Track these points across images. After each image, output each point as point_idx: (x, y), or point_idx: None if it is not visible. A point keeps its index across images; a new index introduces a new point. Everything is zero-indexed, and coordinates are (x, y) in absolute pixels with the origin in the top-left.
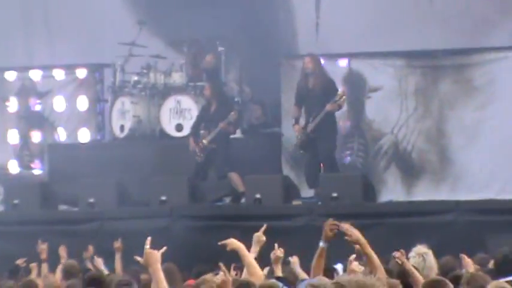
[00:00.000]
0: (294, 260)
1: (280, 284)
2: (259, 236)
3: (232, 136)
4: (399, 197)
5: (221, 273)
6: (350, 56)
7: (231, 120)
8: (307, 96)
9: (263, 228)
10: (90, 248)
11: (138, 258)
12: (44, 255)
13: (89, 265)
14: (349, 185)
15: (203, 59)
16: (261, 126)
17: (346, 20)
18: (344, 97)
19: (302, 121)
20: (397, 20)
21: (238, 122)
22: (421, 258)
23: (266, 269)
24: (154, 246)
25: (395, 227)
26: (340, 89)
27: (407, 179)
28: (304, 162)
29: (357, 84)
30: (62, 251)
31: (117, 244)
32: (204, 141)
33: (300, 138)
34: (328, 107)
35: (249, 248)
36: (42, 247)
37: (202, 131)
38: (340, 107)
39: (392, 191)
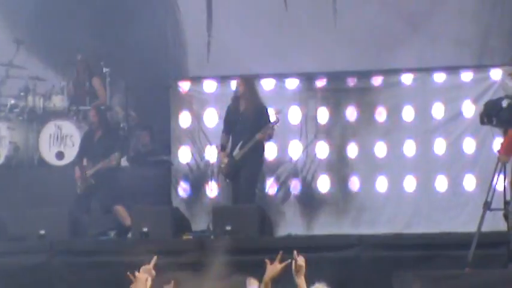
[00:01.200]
0: None
1: None
2: (149, 269)
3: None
4: (298, 231)
5: None
6: (243, 78)
7: (112, 161)
8: (237, 121)
9: (154, 260)
10: None
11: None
12: None
13: None
14: (244, 218)
15: (87, 81)
16: (148, 154)
17: (239, 39)
18: (275, 126)
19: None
20: (296, 39)
21: (119, 161)
22: None
23: None
24: (32, 282)
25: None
26: (274, 119)
27: (307, 211)
28: (229, 191)
29: None
30: None
31: None
32: (87, 173)
33: (227, 165)
34: (259, 136)
35: None
36: None
37: (85, 161)
38: (270, 136)
39: (291, 224)
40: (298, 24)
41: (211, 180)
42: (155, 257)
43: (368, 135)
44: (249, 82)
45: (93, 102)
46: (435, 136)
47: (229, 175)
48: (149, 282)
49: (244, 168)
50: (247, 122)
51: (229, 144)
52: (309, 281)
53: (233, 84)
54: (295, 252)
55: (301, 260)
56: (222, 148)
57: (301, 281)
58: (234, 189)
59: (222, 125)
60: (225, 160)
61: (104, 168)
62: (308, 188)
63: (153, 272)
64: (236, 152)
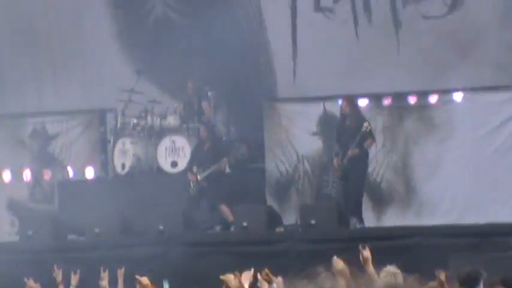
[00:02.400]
0: (279, 280)
1: None
2: (249, 276)
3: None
4: (370, 223)
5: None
6: (324, 98)
7: (222, 165)
8: (343, 134)
9: (252, 272)
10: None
11: (138, 277)
12: (59, 279)
13: None
14: (325, 214)
15: (195, 102)
16: (246, 162)
17: (320, 66)
18: (368, 127)
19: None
20: (366, 64)
21: (227, 165)
22: (392, 277)
23: None
24: (153, 271)
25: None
26: (366, 123)
27: (377, 207)
28: (342, 192)
29: (331, 124)
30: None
31: (120, 270)
32: (198, 177)
33: (339, 170)
34: (350, 152)
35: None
36: (57, 272)
37: (195, 167)
38: (363, 148)
39: (364, 218)
40: (367, 52)
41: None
42: (252, 269)
43: (427, 143)
44: (352, 101)
45: (200, 121)
46: (483, 142)
47: (342, 177)
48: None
49: (352, 171)
50: (352, 134)
51: (340, 151)
52: (380, 265)
53: (317, 104)
54: (360, 246)
55: (366, 252)
56: (336, 154)
57: (369, 268)
58: (344, 188)
59: (307, 137)
60: (338, 165)
61: (214, 172)
62: (378, 187)
63: (251, 279)
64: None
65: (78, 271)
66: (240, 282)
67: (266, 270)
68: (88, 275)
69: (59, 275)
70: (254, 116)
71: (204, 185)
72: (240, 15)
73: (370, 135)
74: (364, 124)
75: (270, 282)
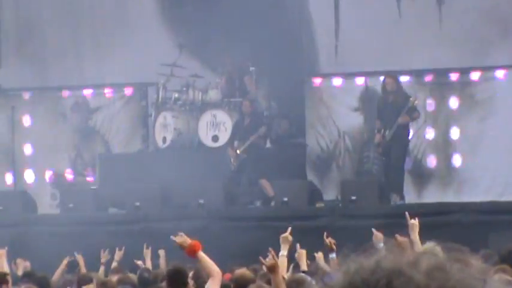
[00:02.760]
0: (319, 255)
1: (308, 278)
2: (286, 237)
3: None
4: (411, 200)
5: (270, 257)
6: (366, 74)
7: (260, 134)
8: (385, 110)
9: (289, 230)
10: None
11: (174, 238)
12: (103, 260)
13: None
14: (366, 189)
15: (237, 78)
16: (287, 138)
17: (362, 42)
18: (416, 101)
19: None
20: (408, 41)
21: (267, 135)
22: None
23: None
24: None
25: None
26: (412, 97)
27: (418, 183)
28: (383, 168)
29: (372, 100)
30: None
31: (162, 252)
32: (238, 151)
33: (381, 146)
34: (401, 119)
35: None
36: (104, 255)
37: (236, 142)
38: (412, 118)
39: (406, 193)
40: (410, 29)
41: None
42: (290, 228)
43: (468, 121)
44: (395, 78)
45: (241, 96)
46: None
47: (384, 153)
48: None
49: (394, 147)
50: (394, 110)
51: (382, 128)
52: (421, 240)
53: (359, 80)
54: (406, 213)
55: (414, 221)
56: (378, 130)
57: (415, 237)
58: (386, 165)
59: (348, 112)
60: (379, 141)
61: (254, 144)
62: (419, 164)
63: (290, 238)
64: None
65: (124, 248)
66: (274, 258)
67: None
68: (128, 248)
69: (104, 257)
70: (296, 91)
71: (245, 158)
72: None
73: (416, 109)
74: (411, 98)
75: (332, 250)
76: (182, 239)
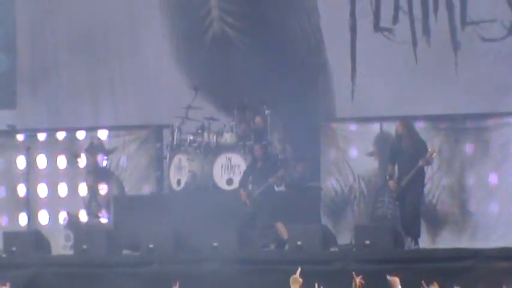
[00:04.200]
0: None
1: None
2: (296, 278)
3: (277, 189)
4: (425, 245)
5: None
6: (381, 119)
7: (279, 176)
8: (399, 155)
9: (298, 271)
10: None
11: None
12: None
13: None
14: (380, 234)
15: (252, 120)
16: (302, 181)
17: (378, 87)
18: (434, 153)
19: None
20: (424, 87)
21: (284, 178)
22: None
23: None
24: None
25: (421, 272)
26: (430, 148)
27: (432, 228)
28: (398, 213)
29: (387, 145)
30: None
31: (175, 286)
32: (254, 193)
33: (395, 191)
34: (421, 162)
35: None
36: None
37: (250, 185)
38: (429, 162)
39: (419, 239)
40: (426, 74)
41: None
42: (299, 268)
43: (482, 167)
44: (408, 123)
45: (256, 139)
46: None
47: (399, 198)
48: None
49: (409, 192)
50: (408, 155)
51: (396, 173)
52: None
53: (374, 125)
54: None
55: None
56: (390, 177)
57: None
58: (401, 210)
59: (363, 157)
60: (394, 186)
61: (270, 187)
62: (433, 209)
63: (300, 280)
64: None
65: None
66: None
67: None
68: None
69: None
70: (311, 135)
71: (259, 201)
72: (299, 34)
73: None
74: (429, 149)
75: None
76: None
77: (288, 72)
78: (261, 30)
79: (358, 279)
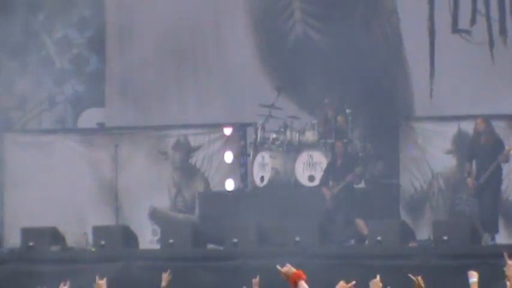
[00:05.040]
0: None
1: None
2: (376, 282)
3: (356, 186)
4: (502, 240)
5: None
6: (459, 118)
7: (357, 173)
8: (478, 153)
9: (378, 277)
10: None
11: (279, 267)
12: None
13: None
14: (458, 230)
15: (333, 119)
16: (381, 178)
17: (455, 87)
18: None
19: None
20: (500, 86)
21: (363, 175)
22: None
23: None
24: (284, 283)
25: (498, 267)
26: (508, 146)
27: (510, 224)
28: (475, 209)
29: (465, 143)
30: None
31: (256, 280)
32: (334, 190)
33: (473, 188)
34: (499, 160)
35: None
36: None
37: (331, 182)
38: (507, 160)
39: (496, 235)
40: (502, 74)
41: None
42: (378, 275)
43: None
44: (487, 120)
45: (337, 137)
46: None
47: (478, 195)
48: None
49: (487, 189)
50: (487, 152)
51: (474, 170)
52: None
53: (452, 123)
54: (505, 253)
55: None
56: (468, 174)
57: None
58: (480, 207)
59: (441, 155)
60: (472, 183)
61: (349, 184)
62: (510, 205)
63: (380, 284)
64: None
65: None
66: None
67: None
68: (225, 284)
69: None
70: (390, 133)
71: (340, 197)
72: (379, 35)
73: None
74: (507, 147)
75: None
76: (287, 268)
77: (368, 72)
78: (342, 31)
79: (418, 278)
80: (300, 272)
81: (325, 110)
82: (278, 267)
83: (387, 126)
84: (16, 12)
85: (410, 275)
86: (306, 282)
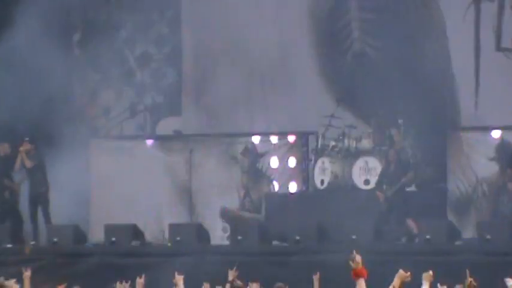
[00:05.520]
0: None
1: None
2: (429, 275)
3: (408, 190)
4: None
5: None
6: (502, 128)
7: (408, 178)
8: None
9: (431, 271)
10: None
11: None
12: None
13: None
14: (500, 229)
15: (386, 128)
16: (430, 183)
17: (499, 99)
18: None
19: None
20: None
21: (413, 180)
22: None
23: None
24: (347, 276)
25: None
26: None
27: None
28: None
29: (507, 151)
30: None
31: (316, 276)
32: (387, 193)
33: None
34: None
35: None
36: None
37: (385, 186)
38: None
39: None
40: None
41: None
42: (431, 271)
43: None
44: None
45: (390, 145)
46: None
47: None
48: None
49: None
50: None
51: None
52: None
53: (495, 133)
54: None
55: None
56: (509, 180)
57: None
58: None
59: (485, 162)
60: None
61: (402, 188)
62: None
63: (432, 278)
64: None
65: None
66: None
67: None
68: (288, 277)
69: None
70: (439, 141)
71: (393, 200)
72: (428, 51)
73: None
74: None
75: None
76: (358, 259)
77: (419, 86)
78: (396, 49)
79: (470, 280)
80: (365, 271)
81: (379, 121)
82: (355, 253)
83: (436, 135)
84: (102, 31)
85: (468, 272)
86: (365, 281)
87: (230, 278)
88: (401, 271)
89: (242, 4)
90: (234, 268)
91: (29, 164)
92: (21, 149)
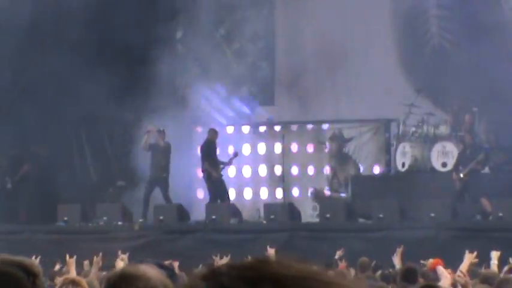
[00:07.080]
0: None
1: None
2: (497, 254)
3: (482, 172)
4: None
5: None
6: None
7: (479, 160)
8: None
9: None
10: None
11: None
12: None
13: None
14: None
15: (462, 116)
16: (503, 165)
17: None
18: None
19: None
20: None
21: (485, 162)
22: None
23: None
24: (425, 250)
25: None
26: None
27: None
28: None
29: None
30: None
31: (400, 249)
32: (461, 174)
33: None
34: None
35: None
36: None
37: (461, 167)
38: None
39: None
40: None
41: None
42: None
43: None
44: None
45: (465, 131)
46: None
47: None
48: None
49: None
50: None
51: None
52: None
53: None
54: None
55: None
56: None
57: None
58: None
59: None
60: None
61: (474, 167)
62: None
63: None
64: None
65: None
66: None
67: None
68: (371, 251)
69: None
70: (510, 128)
71: (467, 180)
72: (502, 46)
73: None
74: None
75: None
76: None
77: (492, 76)
78: (471, 43)
79: None
80: (438, 260)
81: (456, 108)
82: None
83: (508, 121)
84: (203, 29)
85: None
86: (442, 263)
87: (336, 256)
88: (469, 254)
89: (330, 3)
90: (274, 249)
91: (162, 143)
92: (152, 128)
